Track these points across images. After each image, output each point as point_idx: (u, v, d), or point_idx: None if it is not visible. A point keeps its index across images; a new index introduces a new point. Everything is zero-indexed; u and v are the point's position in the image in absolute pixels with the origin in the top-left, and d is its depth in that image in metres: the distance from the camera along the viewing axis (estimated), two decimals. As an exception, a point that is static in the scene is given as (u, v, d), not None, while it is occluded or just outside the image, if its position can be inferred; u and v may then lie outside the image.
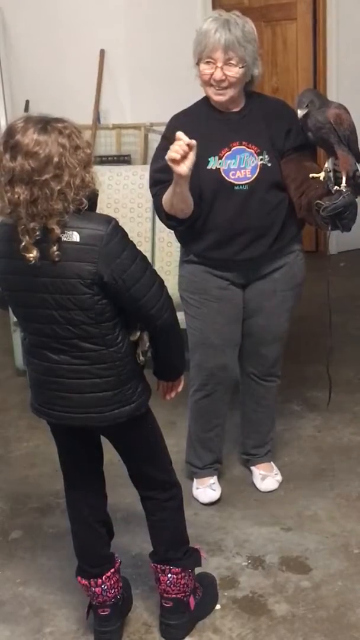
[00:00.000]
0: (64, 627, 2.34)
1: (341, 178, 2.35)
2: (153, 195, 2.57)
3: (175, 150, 2.21)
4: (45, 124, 1.82)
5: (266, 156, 2.51)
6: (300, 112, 2.37)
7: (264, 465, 2.97)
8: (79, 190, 1.84)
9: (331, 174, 2.39)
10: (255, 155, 2.50)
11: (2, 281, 1.97)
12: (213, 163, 2.50)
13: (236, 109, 2.55)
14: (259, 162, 2.50)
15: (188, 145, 2.20)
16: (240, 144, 2.50)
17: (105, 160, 4.86)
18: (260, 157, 2.51)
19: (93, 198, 1.91)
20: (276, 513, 2.78)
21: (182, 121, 2.56)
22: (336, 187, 2.34)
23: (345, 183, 2.33)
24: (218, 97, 2.49)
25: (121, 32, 4.87)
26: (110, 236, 1.87)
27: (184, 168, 2.24)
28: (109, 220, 1.90)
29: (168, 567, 2.20)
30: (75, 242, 1.85)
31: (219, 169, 2.49)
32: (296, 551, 2.58)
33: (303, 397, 3.57)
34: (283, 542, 2.63)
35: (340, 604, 2.34)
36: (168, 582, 2.20)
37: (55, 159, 1.80)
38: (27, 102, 4.82)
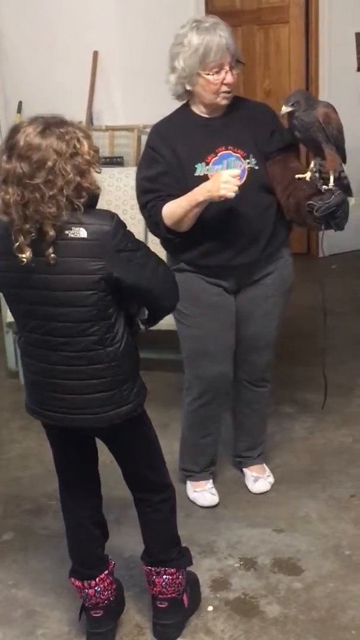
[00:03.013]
0: (57, 629, 2.34)
1: (327, 179, 2.36)
2: (144, 204, 2.52)
3: (233, 190, 2.32)
4: (45, 127, 1.82)
5: (253, 159, 2.51)
6: (284, 109, 2.36)
7: (256, 468, 2.97)
8: (73, 197, 1.84)
9: (317, 174, 2.40)
10: (242, 159, 2.50)
11: (3, 278, 1.96)
12: (200, 170, 2.49)
13: (219, 114, 2.54)
14: (247, 166, 2.50)
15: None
16: (227, 149, 2.50)
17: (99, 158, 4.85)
18: (248, 160, 2.51)
19: (94, 198, 1.91)
20: (268, 514, 2.79)
21: (166, 129, 2.54)
22: (325, 187, 2.34)
23: (333, 182, 2.34)
24: (225, 102, 2.49)
25: (114, 34, 4.87)
26: (115, 230, 1.89)
27: (233, 191, 2.33)
28: (112, 215, 1.92)
29: (163, 568, 2.20)
30: (83, 238, 1.86)
31: (207, 175, 2.48)
32: (288, 552, 2.59)
33: (295, 399, 3.58)
34: (275, 543, 2.64)
35: (332, 605, 2.35)
36: (164, 583, 2.21)
37: (49, 164, 1.80)
38: (20, 103, 4.81)
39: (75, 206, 1.85)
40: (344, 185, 2.40)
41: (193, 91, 2.49)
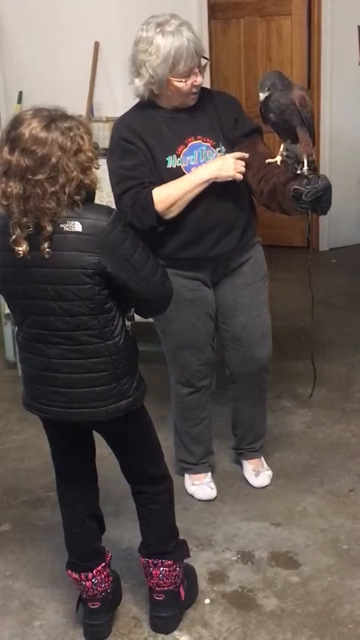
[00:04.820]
0: (54, 620, 2.34)
1: (298, 162, 2.36)
2: (124, 190, 2.44)
3: (241, 172, 2.41)
4: (50, 121, 1.81)
5: (223, 147, 2.50)
6: (262, 95, 2.34)
7: (256, 461, 2.97)
8: (73, 194, 1.83)
9: (287, 158, 2.40)
10: (212, 148, 2.49)
11: (0, 274, 1.96)
12: (172, 162, 2.47)
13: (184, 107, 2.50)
14: (218, 155, 2.49)
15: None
16: (196, 139, 2.48)
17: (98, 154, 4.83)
18: (218, 149, 2.49)
19: (90, 193, 1.90)
20: (266, 508, 2.79)
21: (134, 122, 2.49)
22: (305, 169, 2.31)
23: (307, 166, 2.32)
24: (193, 102, 2.48)
25: (115, 25, 4.85)
26: (112, 226, 1.88)
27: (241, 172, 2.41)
28: (109, 210, 1.91)
29: (160, 560, 2.20)
30: (78, 232, 1.85)
31: (180, 166, 2.47)
32: (285, 546, 2.59)
33: (294, 393, 3.58)
34: (272, 537, 2.64)
35: (329, 599, 2.35)
36: (161, 575, 2.21)
37: (53, 161, 1.80)
38: (21, 93, 4.79)
39: (73, 202, 1.84)
40: (313, 168, 2.38)
41: (160, 93, 2.45)
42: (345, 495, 2.86)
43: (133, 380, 2.04)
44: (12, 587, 2.49)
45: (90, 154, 1.85)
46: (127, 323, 2.01)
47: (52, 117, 1.82)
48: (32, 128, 1.80)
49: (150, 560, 2.22)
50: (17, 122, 1.83)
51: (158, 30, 2.37)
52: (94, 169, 1.88)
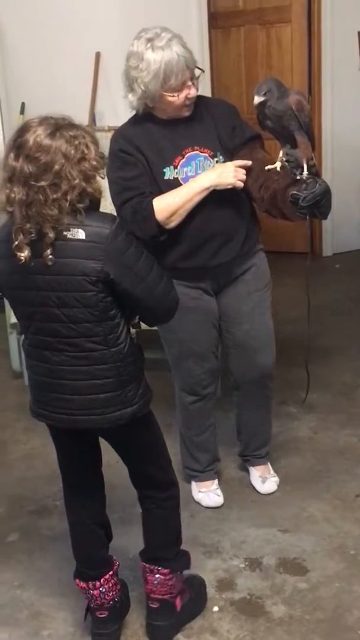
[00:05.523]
0: (62, 630, 2.34)
1: (297, 167, 2.35)
2: (125, 200, 2.43)
3: (241, 179, 2.41)
4: (55, 129, 1.82)
5: (221, 157, 2.49)
6: (257, 99, 2.32)
7: (262, 467, 2.97)
8: (75, 202, 1.84)
9: (287, 163, 2.39)
10: (210, 158, 2.48)
11: (5, 281, 1.97)
12: (169, 173, 2.46)
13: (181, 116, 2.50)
14: (216, 165, 2.48)
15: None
16: (193, 149, 2.47)
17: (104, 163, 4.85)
18: (216, 159, 2.49)
19: (96, 202, 1.91)
20: (273, 515, 2.79)
21: (132, 134, 2.49)
22: (305, 174, 2.30)
23: (307, 170, 2.32)
24: (188, 113, 2.47)
25: (116, 35, 4.86)
26: (115, 234, 1.88)
27: (241, 180, 2.41)
28: (113, 218, 1.92)
29: (156, 567, 2.20)
30: (81, 240, 1.86)
31: (177, 178, 2.46)
32: (293, 553, 2.58)
33: (298, 399, 3.56)
34: (280, 543, 2.63)
35: (338, 606, 2.34)
36: (155, 582, 2.20)
37: (56, 167, 1.81)
38: (23, 104, 4.82)
39: (76, 210, 1.85)
40: (314, 173, 2.37)
41: (155, 106, 2.45)
42: (353, 500, 2.85)
43: (138, 388, 2.05)
44: (21, 597, 2.49)
45: (94, 163, 1.86)
46: (132, 330, 2.02)
47: (58, 126, 1.84)
48: (37, 135, 1.81)
49: (147, 566, 2.21)
50: (23, 129, 1.85)
51: (148, 45, 2.36)
52: (98, 178, 1.89)
